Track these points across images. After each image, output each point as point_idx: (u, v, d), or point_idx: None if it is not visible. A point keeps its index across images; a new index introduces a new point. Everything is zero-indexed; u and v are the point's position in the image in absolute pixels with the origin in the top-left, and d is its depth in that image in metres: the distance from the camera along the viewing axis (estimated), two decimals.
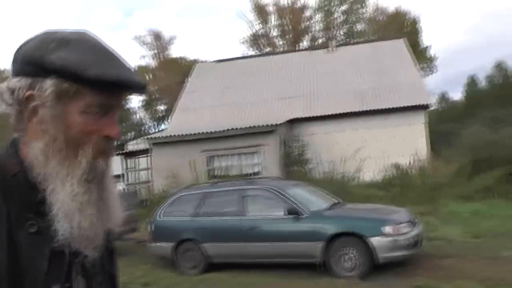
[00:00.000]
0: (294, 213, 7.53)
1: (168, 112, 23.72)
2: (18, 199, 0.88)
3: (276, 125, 16.34)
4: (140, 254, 10.25)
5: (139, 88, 0.94)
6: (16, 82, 0.89)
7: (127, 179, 21.97)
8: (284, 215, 7.57)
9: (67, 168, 0.89)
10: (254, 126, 16.28)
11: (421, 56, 47.55)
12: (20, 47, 0.94)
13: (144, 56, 65.05)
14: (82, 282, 0.97)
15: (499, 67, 52.37)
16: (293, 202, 7.71)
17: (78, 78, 0.86)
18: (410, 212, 8.30)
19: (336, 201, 8.73)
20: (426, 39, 77.91)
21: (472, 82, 55.54)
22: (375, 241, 6.98)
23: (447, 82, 77.51)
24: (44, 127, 0.89)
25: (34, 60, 0.88)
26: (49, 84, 0.87)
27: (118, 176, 25.76)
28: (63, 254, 0.92)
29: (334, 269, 7.20)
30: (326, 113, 18.84)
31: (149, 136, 19.37)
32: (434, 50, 79.67)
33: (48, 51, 0.88)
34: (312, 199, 8.39)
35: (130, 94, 0.97)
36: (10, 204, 0.87)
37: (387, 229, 7.00)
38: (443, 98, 60.55)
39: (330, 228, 7.31)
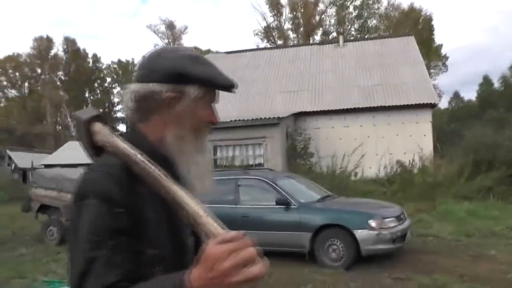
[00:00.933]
0: (284, 203, 7.78)
1: None
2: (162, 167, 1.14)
3: (282, 118, 16.52)
4: None
5: (235, 88, 1.28)
6: (158, 86, 1.20)
7: None
8: (275, 205, 7.82)
9: (194, 145, 1.23)
10: (260, 118, 16.49)
11: (435, 54, 47.25)
12: (152, 61, 1.25)
13: (156, 45, 65.43)
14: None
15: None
16: (284, 193, 7.96)
17: (214, 85, 1.23)
18: (400, 208, 8.51)
19: (327, 194, 8.97)
20: (439, 37, 77.09)
21: (485, 82, 55.16)
22: (360, 233, 7.23)
23: (461, 81, 77.01)
24: (180, 119, 1.21)
25: (176, 71, 1.20)
26: (192, 89, 1.20)
27: None
28: None
29: (321, 259, 7.47)
30: (332, 108, 19.03)
31: None
32: (449, 49, 79.05)
33: (186, 64, 1.20)
34: (303, 191, 8.63)
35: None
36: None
37: (373, 223, 7.23)
38: (456, 97, 60.24)
39: (318, 220, 7.57)
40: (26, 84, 61.36)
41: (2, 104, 59.10)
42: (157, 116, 1.21)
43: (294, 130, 18.02)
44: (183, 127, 1.21)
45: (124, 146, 1.15)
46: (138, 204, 1.11)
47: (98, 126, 1.23)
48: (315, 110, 19.19)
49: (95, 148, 1.23)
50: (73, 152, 33.34)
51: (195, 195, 1.10)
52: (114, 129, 1.27)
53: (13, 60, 58.48)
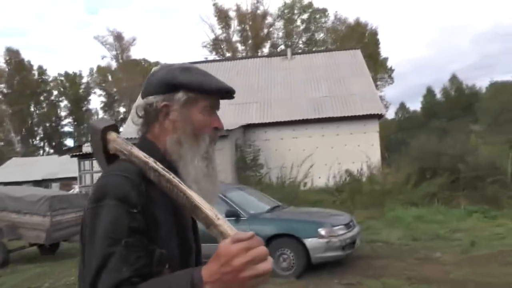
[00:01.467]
0: (233, 215, 7.74)
1: (128, 114, 23.51)
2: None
3: (231, 130, 16.52)
4: None
5: (232, 93, 1.38)
6: (152, 98, 1.33)
7: (84, 181, 21.70)
8: (225, 217, 7.77)
9: (193, 150, 1.31)
10: None
11: (381, 67, 48.83)
12: (150, 78, 1.38)
13: (104, 57, 64.21)
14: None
15: (453, 80, 54.54)
16: (233, 205, 7.94)
17: (200, 90, 1.31)
18: (349, 216, 8.66)
19: (277, 205, 9.01)
20: (384, 50, 79.95)
21: (429, 94, 57.58)
22: (310, 242, 7.29)
23: (407, 92, 79.95)
24: (176, 125, 1.31)
25: (166, 82, 1.32)
26: (180, 95, 1.31)
27: (74, 178, 25.45)
28: None
29: (272, 269, 7.46)
30: (281, 120, 19.23)
31: None
32: (395, 61, 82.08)
33: (175, 75, 1.32)
34: (253, 202, 8.63)
35: (224, 98, 1.39)
36: None
37: (322, 231, 7.32)
38: (402, 108, 62.48)
39: (268, 230, 7.55)
40: None
41: None
42: (157, 125, 1.33)
43: (243, 142, 18.06)
44: (179, 132, 1.31)
45: (140, 154, 1.26)
46: (151, 207, 1.21)
47: (113, 135, 1.33)
48: (264, 122, 19.34)
49: (107, 156, 1.34)
50: (18, 169, 32.09)
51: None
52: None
53: None
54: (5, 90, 58.77)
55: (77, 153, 21.50)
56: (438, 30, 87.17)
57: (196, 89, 1.31)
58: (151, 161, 1.23)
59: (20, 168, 32.44)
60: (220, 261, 0.97)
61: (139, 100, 1.38)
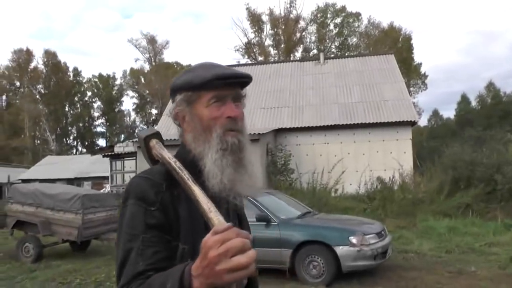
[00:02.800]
0: (264, 220, 7.69)
1: (160, 116, 23.81)
2: (192, 170, 1.29)
3: (262, 134, 16.50)
4: None
5: (234, 78, 1.35)
6: (171, 106, 1.42)
7: (115, 181, 22.07)
8: (255, 221, 7.73)
9: (207, 144, 1.32)
10: None
11: (414, 73, 48.07)
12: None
13: (137, 59, 65.22)
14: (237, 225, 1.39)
15: (490, 87, 53.20)
16: (264, 209, 7.88)
17: (191, 86, 1.34)
18: (381, 224, 8.49)
19: (308, 211, 8.91)
20: (418, 56, 78.70)
21: (463, 101, 56.30)
22: (341, 250, 7.17)
23: (440, 99, 78.36)
24: (190, 124, 1.37)
25: (171, 89, 1.42)
26: (179, 97, 1.37)
27: (105, 178, 25.89)
28: (227, 211, 1.37)
29: (302, 276, 7.39)
30: (312, 125, 19.11)
31: (136, 140, 19.45)
32: (428, 67, 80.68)
33: (174, 80, 1.41)
34: (284, 208, 8.56)
35: (230, 85, 1.35)
36: (196, 175, 1.29)
37: (353, 239, 7.19)
38: (435, 115, 61.29)
39: (298, 236, 7.49)
40: (4, 97, 60.45)
41: None
42: (183, 128, 1.41)
43: (274, 146, 18.01)
44: (193, 131, 1.36)
45: (166, 155, 1.34)
46: (174, 204, 1.27)
47: (153, 142, 1.42)
48: (295, 126, 19.25)
49: (154, 161, 1.41)
50: (52, 167, 32.86)
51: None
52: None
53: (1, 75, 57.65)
54: (42, 91, 60.39)
55: (109, 153, 21.90)
56: (474, 35, 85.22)
57: (188, 87, 1.35)
58: (172, 161, 1.30)
59: (54, 166, 33.19)
60: (201, 254, 0.97)
61: None
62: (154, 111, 60.38)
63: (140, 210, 1.25)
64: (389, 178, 16.09)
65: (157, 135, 1.45)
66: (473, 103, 55.76)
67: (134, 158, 18.70)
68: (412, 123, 18.99)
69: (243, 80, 1.39)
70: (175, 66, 58.11)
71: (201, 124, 1.34)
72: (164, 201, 1.27)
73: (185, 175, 1.24)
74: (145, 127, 60.04)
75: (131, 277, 1.17)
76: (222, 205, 1.30)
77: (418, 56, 67.13)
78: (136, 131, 58.99)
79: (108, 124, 65.79)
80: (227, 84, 1.34)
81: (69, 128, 64.60)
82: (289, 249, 7.44)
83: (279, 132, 19.02)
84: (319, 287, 7.05)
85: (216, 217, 1.09)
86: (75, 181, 29.17)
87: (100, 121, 66.35)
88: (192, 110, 1.36)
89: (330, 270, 7.24)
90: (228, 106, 1.34)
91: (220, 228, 0.98)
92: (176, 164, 1.29)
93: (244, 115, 1.42)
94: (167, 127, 20.70)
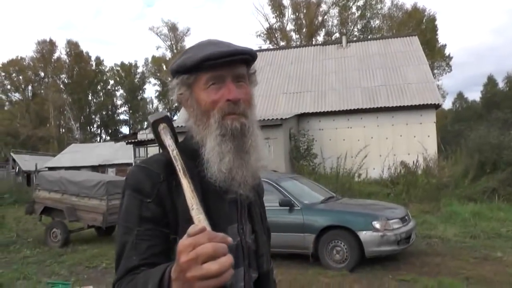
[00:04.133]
0: (287, 204, 7.69)
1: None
2: (194, 159, 1.24)
3: (285, 119, 16.46)
4: None
5: (230, 55, 1.22)
6: (172, 91, 1.32)
7: None
8: (279, 206, 7.75)
9: (206, 130, 1.23)
10: (263, 120, 16.44)
11: (438, 55, 47.12)
12: None
13: (159, 47, 65.53)
14: (249, 225, 1.35)
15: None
16: (287, 194, 7.88)
17: (185, 68, 1.25)
18: (404, 209, 8.41)
19: (331, 195, 8.88)
20: (442, 37, 76.98)
21: (490, 83, 54.97)
22: (365, 235, 7.13)
23: (465, 82, 76.76)
24: (189, 108, 1.29)
25: (170, 71, 1.32)
26: (175, 81, 1.28)
27: (129, 164, 26.22)
28: (236, 201, 1.29)
29: (325, 261, 7.39)
30: (335, 109, 18.97)
31: None
32: (453, 49, 78.89)
33: (174, 62, 1.30)
34: (307, 192, 8.54)
35: (227, 64, 1.22)
36: (198, 164, 1.23)
37: (377, 224, 7.14)
38: (460, 97, 60.04)
39: (322, 221, 7.47)
40: (30, 87, 61.53)
41: (6, 108, 59.08)
42: (186, 111, 1.32)
43: (297, 131, 17.96)
44: (194, 115, 1.27)
45: (166, 142, 1.26)
46: (171, 196, 1.19)
47: (160, 127, 1.32)
48: (318, 111, 19.14)
49: (164, 148, 1.30)
50: (77, 155, 33.46)
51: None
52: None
53: (16, 63, 58.66)
54: (65, 80, 61.28)
55: (133, 140, 22.14)
56: (502, 16, 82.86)
57: (183, 70, 1.26)
58: (170, 149, 1.22)
59: (79, 153, 33.75)
60: (176, 258, 0.88)
61: None
62: None
63: (136, 202, 1.19)
64: (413, 162, 15.90)
65: (166, 119, 1.34)
66: (500, 84, 54.41)
67: (157, 144, 18.82)
68: (436, 106, 18.68)
69: (241, 57, 1.25)
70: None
71: (200, 109, 1.24)
72: (161, 193, 1.19)
73: (178, 165, 1.15)
74: (168, 113, 60.39)
75: (124, 272, 1.12)
76: (226, 196, 1.24)
77: (442, 37, 65.63)
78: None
79: (131, 111, 66.45)
80: (223, 63, 1.21)
81: (93, 116, 65.48)
82: (312, 234, 7.44)
83: (302, 117, 18.94)
84: (342, 272, 7.04)
85: (196, 216, 0.98)
86: (99, 168, 29.61)
87: (123, 109, 67.08)
88: (192, 93, 1.26)
89: (353, 255, 7.22)
90: (227, 88, 1.22)
91: (192, 230, 0.87)
92: (173, 153, 1.20)
93: (250, 95, 1.28)
94: None
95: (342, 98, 19.62)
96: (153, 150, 21.03)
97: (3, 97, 59.45)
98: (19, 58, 59.64)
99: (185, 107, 1.31)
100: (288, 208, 7.70)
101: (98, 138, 64.07)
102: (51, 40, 60.19)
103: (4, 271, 8.31)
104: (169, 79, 1.36)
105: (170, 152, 1.20)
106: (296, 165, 16.27)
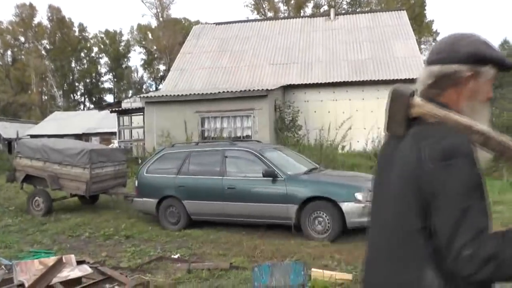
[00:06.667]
0: (271, 175, 7.71)
1: (167, 71, 23.71)
2: None
3: (270, 90, 16.36)
4: (126, 209, 10.53)
5: None
6: (456, 67, 1.43)
7: (123, 136, 22.15)
8: (262, 177, 7.75)
9: (482, 117, 1.44)
10: (248, 90, 16.33)
11: (426, 30, 47.06)
12: (453, 46, 1.46)
13: (144, 15, 64.23)
14: None
15: (504, 45, 52.00)
16: (271, 165, 7.88)
17: (503, 65, 1.47)
18: None
19: (314, 167, 8.90)
20: (430, 13, 76.97)
21: None
22: (347, 206, 7.19)
23: None
24: (474, 94, 1.45)
25: (477, 55, 1.42)
26: (487, 69, 1.43)
27: (113, 133, 26.01)
28: None
29: (307, 231, 7.45)
30: (321, 81, 18.90)
31: (143, 95, 19.37)
32: (440, 25, 78.75)
33: (484, 49, 1.44)
34: (291, 164, 8.54)
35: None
36: None
37: (359, 195, 7.19)
38: None
39: (305, 192, 7.51)
40: (9, 52, 60.11)
41: (2, 74, 57.67)
42: (452, 91, 1.45)
43: (282, 102, 17.90)
44: (474, 100, 1.45)
45: (460, 118, 1.38)
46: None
47: (418, 101, 1.43)
48: (304, 83, 19.05)
49: (405, 121, 1.43)
50: (60, 123, 33.01)
51: None
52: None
53: (4, 30, 57.19)
54: (47, 46, 59.93)
55: (117, 109, 21.89)
56: None
57: (500, 64, 1.45)
58: (474, 124, 1.37)
59: (62, 121, 33.33)
60: None
61: (437, 65, 1.47)
62: (162, 67, 59.90)
63: (474, 168, 1.28)
64: None
65: (413, 94, 1.46)
66: None
67: (142, 113, 18.63)
68: None
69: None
70: (183, 22, 57.20)
71: (482, 98, 1.46)
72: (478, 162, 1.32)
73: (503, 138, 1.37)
74: (152, 83, 59.62)
75: (475, 233, 1.20)
76: None
77: (430, 13, 65.57)
78: (146, 87, 58.75)
79: (115, 80, 65.53)
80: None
81: (76, 84, 64.47)
82: (295, 204, 7.48)
83: (288, 88, 18.84)
84: (323, 242, 7.11)
85: None
86: (83, 136, 29.34)
87: (107, 77, 66.12)
88: (483, 82, 1.45)
89: (335, 226, 7.30)
90: (491, 88, 1.49)
91: None
92: (482, 128, 1.37)
93: None
94: (175, 83, 20.66)
95: (328, 71, 19.53)
96: (137, 119, 20.85)
97: None
98: (2, 22, 58.09)
99: (461, 87, 1.44)
100: (271, 178, 7.72)
101: (82, 106, 63.27)
102: (31, 4, 58.68)
103: (1, 236, 8.27)
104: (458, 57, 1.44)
105: (476, 127, 1.36)
106: (280, 136, 16.27)
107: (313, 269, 5.31)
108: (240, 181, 8.09)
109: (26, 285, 4.44)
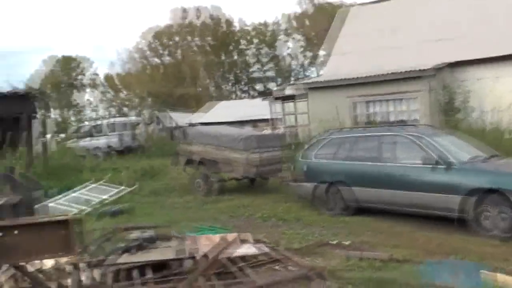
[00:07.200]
0: (444, 163, 6.97)
1: (328, 56, 23.46)
2: None
3: (438, 69, 15.08)
4: (282, 192, 10.67)
5: None
6: None
7: (287, 122, 22.68)
8: (435, 164, 7.02)
9: None
10: (409, 71, 15.38)
11: None
12: None
13: (300, 2, 64.92)
14: None
15: None
16: (443, 151, 7.15)
17: None
18: None
19: (494, 154, 7.78)
20: None
21: None
22: None
23: None
24: None
25: None
26: None
27: (266, 120, 26.82)
28: None
29: (482, 226, 6.50)
30: (498, 54, 16.50)
31: (305, 81, 19.59)
32: None
33: None
34: (465, 149, 7.64)
35: None
36: None
37: None
38: None
39: (484, 182, 6.55)
40: (179, 50, 66.33)
41: (161, 71, 64.20)
42: None
43: (451, 82, 16.28)
44: None
45: None
46: None
47: None
48: (476, 58, 16.88)
49: None
50: (226, 111, 35.46)
51: None
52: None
53: (163, 31, 64.21)
54: (210, 43, 64.90)
55: (280, 96, 22.51)
56: None
57: None
58: None
59: (229, 109, 35.88)
60: None
61: None
62: (322, 52, 59.70)
63: None
64: None
65: None
66: None
67: (306, 99, 18.75)
68: None
69: None
70: (341, 6, 56.41)
71: None
72: None
73: None
74: (313, 69, 60.09)
75: None
76: None
77: None
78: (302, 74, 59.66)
79: (277, 68, 67.28)
80: None
81: (227, 75, 68.55)
82: (461, 195, 6.61)
83: (457, 66, 16.95)
84: (508, 242, 6.05)
85: None
86: (250, 123, 31.09)
87: (269, 66, 68.08)
88: None
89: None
90: None
91: None
92: None
93: None
94: (337, 68, 20.25)
95: (507, 42, 16.94)
96: (300, 105, 20.91)
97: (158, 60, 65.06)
98: (160, 26, 65.07)
99: None
100: (444, 167, 6.95)
101: (246, 95, 66.66)
102: (184, 8, 64.29)
103: (170, 212, 9.34)
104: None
105: None
106: (450, 120, 14.83)
107: (483, 271, 4.52)
108: (412, 168, 7.43)
109: (198, 256, 4.92)
